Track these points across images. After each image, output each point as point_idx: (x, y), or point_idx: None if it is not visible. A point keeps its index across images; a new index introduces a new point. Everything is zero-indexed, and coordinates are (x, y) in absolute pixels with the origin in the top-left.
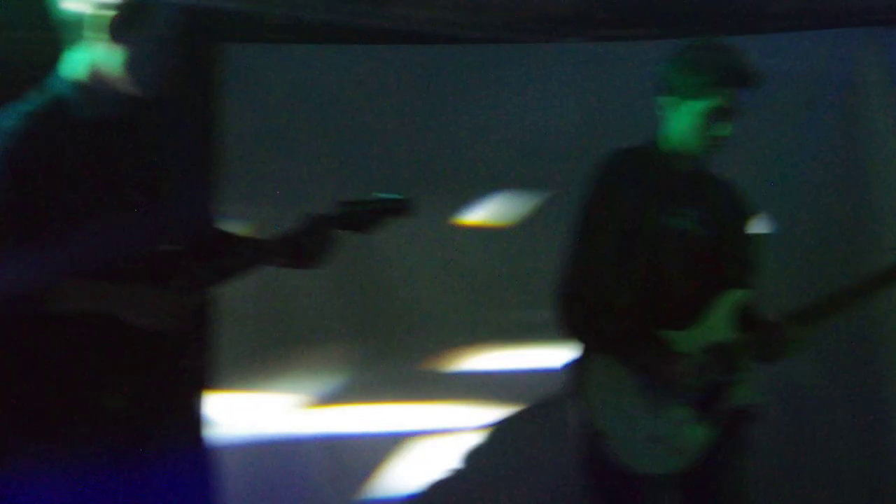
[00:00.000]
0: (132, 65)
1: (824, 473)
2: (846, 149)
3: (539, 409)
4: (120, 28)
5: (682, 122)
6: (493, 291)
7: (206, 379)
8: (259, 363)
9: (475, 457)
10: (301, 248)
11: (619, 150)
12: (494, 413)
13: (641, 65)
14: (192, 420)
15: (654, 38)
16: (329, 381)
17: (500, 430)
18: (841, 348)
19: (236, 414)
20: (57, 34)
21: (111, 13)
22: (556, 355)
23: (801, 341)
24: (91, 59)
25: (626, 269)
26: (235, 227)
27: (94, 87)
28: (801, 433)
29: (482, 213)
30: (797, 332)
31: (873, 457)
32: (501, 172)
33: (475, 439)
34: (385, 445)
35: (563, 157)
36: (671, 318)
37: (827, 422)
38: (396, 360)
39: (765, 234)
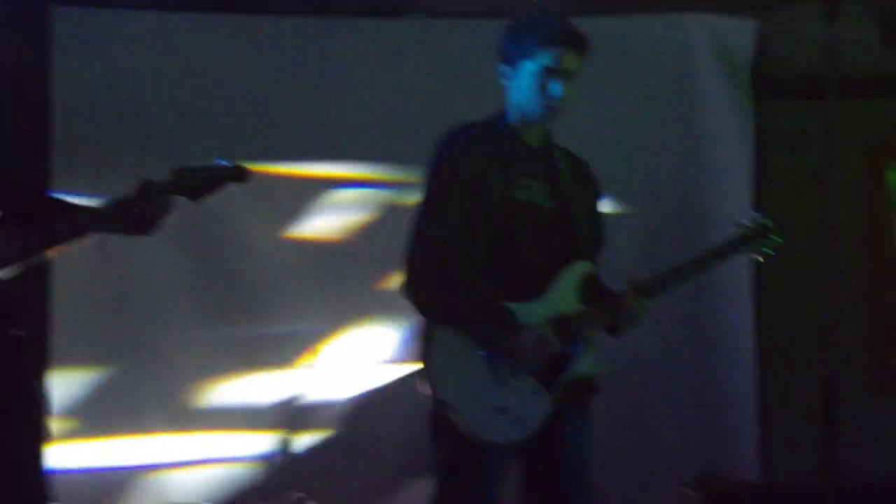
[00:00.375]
0: None
1: (664, 441)
2: (684, 128)
3: (385, 388)
4: None
5: (518, 87)
6: (346, 269)
7: (41, 351)
8: (98, 340)
9: (324, 436)
10: (134, 214)
11: (463, 124)
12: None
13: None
14: (26, 390)
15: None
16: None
17: (347, 410)
18: (677, 320)
19: None
20: None
21: None
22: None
23: (642, 312)
24: None
25: (472, 242)
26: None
27: None
28: (641, 403)
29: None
30: (639, 303)
31: (709, 424)
32: (351, 147)
33: (322, 419)
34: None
35: (414, 133)
36: (519, 290)
37: (665, 392)
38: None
39: (610, 209)
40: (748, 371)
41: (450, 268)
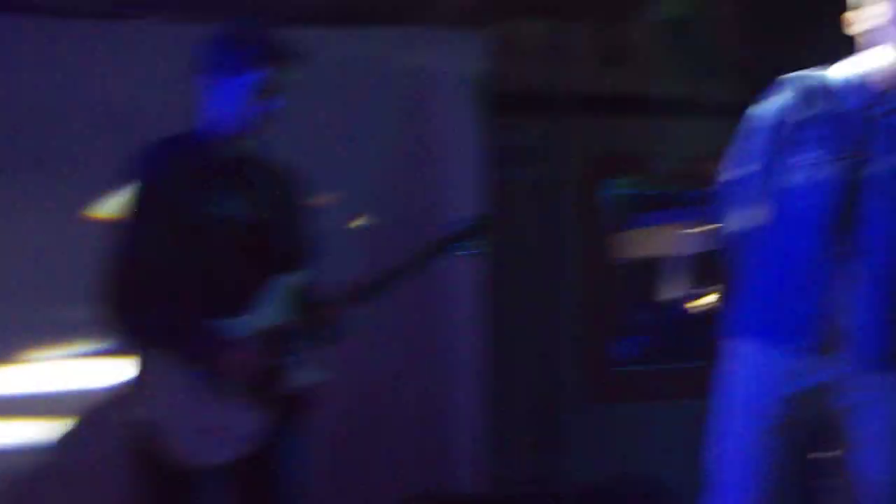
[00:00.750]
0: None
1: (388, 455)
2: (413, 141)
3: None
4: None
5: (224, 101)
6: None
7: None
8: None
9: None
10: None
11: (160, 139)
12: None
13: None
14: None
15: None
16: None
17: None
18: (403, 331)
19: None
20: None
21: None
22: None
23: (353, 319)
24: None
25: (172, 261)
26: None
27: None
28: (366, 417)
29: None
30: (349, 310)
31: (434, 437)
32: (80, 153)
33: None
34: None
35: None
36: (224, 306)
37: (390, 405)
38: None
39: (339, 221)
40: (473, 382)
41: (148, 288)
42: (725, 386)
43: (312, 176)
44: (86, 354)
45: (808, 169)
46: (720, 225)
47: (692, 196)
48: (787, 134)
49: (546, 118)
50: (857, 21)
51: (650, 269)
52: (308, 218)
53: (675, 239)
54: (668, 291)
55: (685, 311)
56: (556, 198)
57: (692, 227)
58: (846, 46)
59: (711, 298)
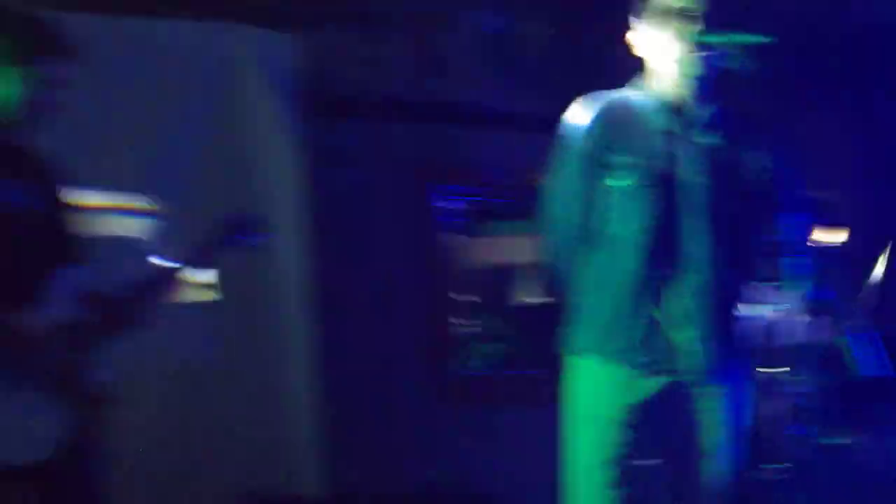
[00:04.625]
0: None
1: (221, 457)
2: (227, 137)
3: None
4: None
5: None
6: None
7: None
8: None
9: None
10: None
11: None
12: None
13: None
14: None
15: None
16: None
17: None
18: (231, 326)
19: None
20: None
21: None
22: None
23: (148, 315)
24: None
25: None
26: None
27: None
28: (195, 416)
29: None
30: (141, 305)
31: (268, 438)
32: None
33: None
34: None
35: None
36: (7, 298)
37: (221, 405)
38: None
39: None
40: (309, 381)
41: None
42: (570, 397)
43: (122, 172)
44: None
45: (621, 191)
46: (545, 242)
47: (520, 206)
48: (597, 157)
49: (367, 122)
50: (638, 43)
51: (489, 275)
52: (80, 211)
53: (510, 247)
54: (513, 298)
55: (528, 317)
56: (381, 202)
57: (524, 237)
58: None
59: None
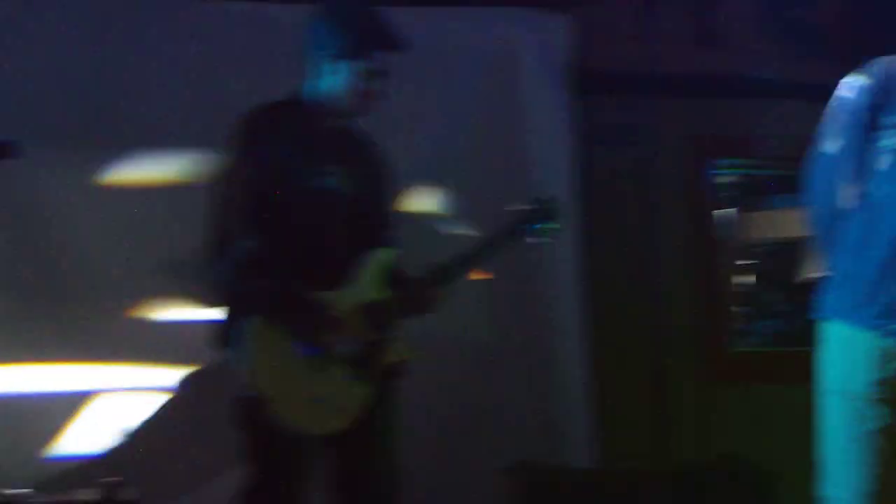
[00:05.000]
0: None
1: (494, 428)
2: (503, 121)
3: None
4: None
5: (330, 80)
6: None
7: None
8: None
9: (154, 417)
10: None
11: (261, 105)
12: (171, 373)
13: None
14: None
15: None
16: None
17: (177, 391)
18: (507, 306)
19: None
20: None
21: None
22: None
23: (442, 296)
24: None
25: (277, 229)
26: None
27: None
28: (470, 391)
29: (155, 169)
30: (438, 287)
31: (541, 412)
32: (175, 128)
33: (154, 399)
34: (64, 405)
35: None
36: (323, 279)
37: (495, 380)
38: (69, 318)
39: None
40: (580, 357)
41: (256, 257)
42: (822, 369)
43: (400, 157)
44: (189, 324)
45: (892, 153)
46: (813, 205)
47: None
48: (870, 117)
49: (642, 98)
50: None
51: (768, 250)
52: (396, 195)
53: (791, 220)
54: (799, 272)
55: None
56: (657, 179)
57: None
58: None
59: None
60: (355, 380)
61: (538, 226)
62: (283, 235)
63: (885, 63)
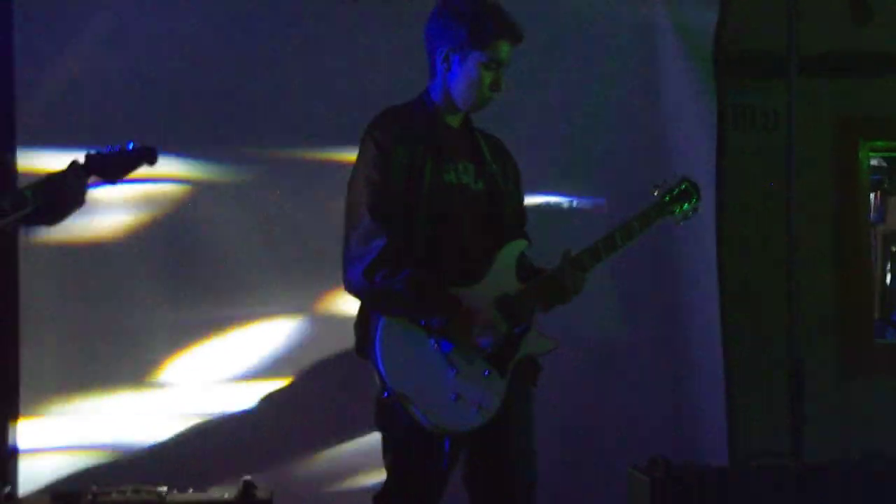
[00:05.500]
0: None
1: (629, 424)
2: (647, 106)
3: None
4: None
5: (460, 76)
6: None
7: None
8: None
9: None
10: (65, 191)
11: (389, 108)
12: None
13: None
14: None
15: None
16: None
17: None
18: (643, 304)
19: None
20: None
21: None
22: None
23: (579, 286)
24: None
25: (410, 227)
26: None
27: None
28: (608, 386)
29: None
30: (577, 276)
31: (676, 407)
32: (324, 133)
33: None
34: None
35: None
36: (458, 274)
37: (632, 376)
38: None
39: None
40: (716, 355)
41: (390, 256)
42: None
43: (540, 139)
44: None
45: None
46: None
47: None
48: None
49: (786, 79)
50: None
51: None
52: (520, 187)
53: None
54: None
55: None
56: (806, 162)
57: None
58: None
59: None
60: (494, 375)
61: (678, 207)
62: (416, 234)
63: None
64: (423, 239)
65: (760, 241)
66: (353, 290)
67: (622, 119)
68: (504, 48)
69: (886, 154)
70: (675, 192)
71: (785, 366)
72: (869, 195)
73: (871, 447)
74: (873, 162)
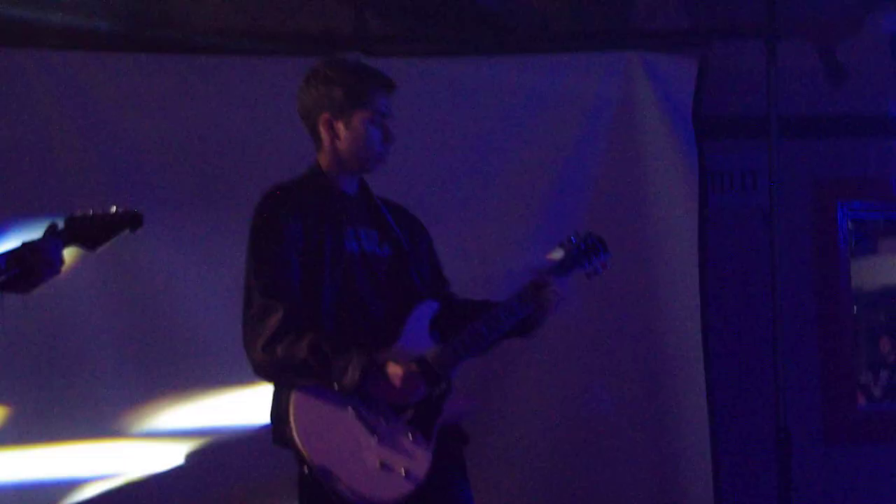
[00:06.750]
0: None
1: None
2: (627, 168)
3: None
4: None
5: (343, 139)
6: None
7: None
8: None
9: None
10: (41, 259)
11: (275, 185)
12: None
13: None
14: None
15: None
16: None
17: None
18: (628, 369)
19: None
20: None
21: None
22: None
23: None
24: None
25: (314, 301)
26: None
27: None
28: (597, 449)
29: None
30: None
31: (663, 472)
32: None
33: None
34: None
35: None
36: (367, 341)
37: (620, 440)
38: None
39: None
40: (703, 419)
41: (290, 327)
42: None
43: (520, 201)
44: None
45: None
46: None
47: None
48: None
49: (766, 141)
50: None
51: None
52: (431, 247)
53: None
54: None
55: None
56: (782, 223)
57: None
58: None
59: None
60: (420, 440)
61: (587, 264)
62: (321, 307)
63: None
64: (329, 311)
65: (744, 304)
66: (260, 371)
67: (601, 181)
68: (383, 99)
69: (876, 214)
70: (580, 249)
71: (771, 432)
72: (848, 259)
73: None
74: (861, 223)
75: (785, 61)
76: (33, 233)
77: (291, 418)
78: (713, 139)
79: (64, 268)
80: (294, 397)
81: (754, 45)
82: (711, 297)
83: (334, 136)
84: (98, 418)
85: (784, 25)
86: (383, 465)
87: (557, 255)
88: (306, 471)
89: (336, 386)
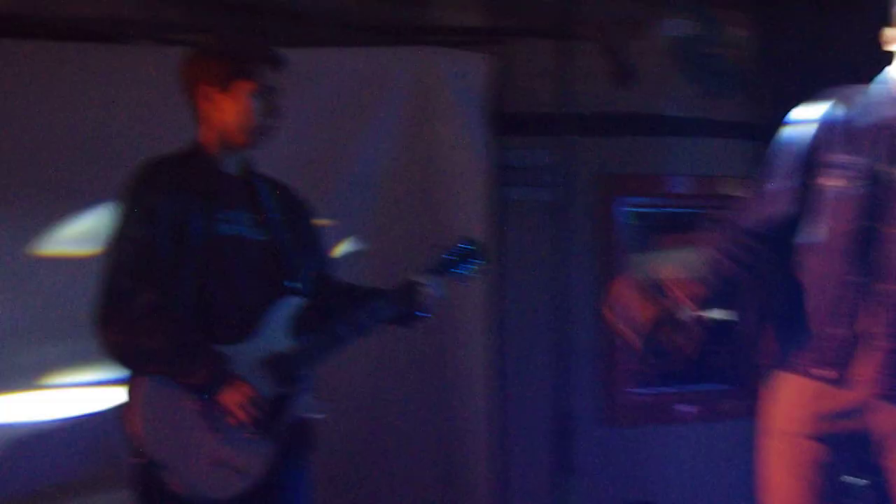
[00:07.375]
0: None
1: (398, 477)
2: (417, 161)
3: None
4: None
5: (225, 111)
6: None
7: None
8: None
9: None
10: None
11: (151, 158)
12: None
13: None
14: None
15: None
16: None
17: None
18: (413, 357)
19: None
20: None
21: None
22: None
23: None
24: None
25: (175, 283)
26: None
27: None
28: (377, 441)
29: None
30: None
31: (444, 458)
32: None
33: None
34: None
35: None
36: (231, 330)
37: (401, 429)
38: None
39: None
40: (483, 403)
41: (149, 312)
42: (766, 411)
43: (314, 195)
44: (88, 383)
45: (836, 190)
46: (743, 246)
47: (709, 215)
48: (815, 154)
49: (554, 138)
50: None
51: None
52: (317, 237)
53: (697, 259)
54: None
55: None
56: (569, 217)
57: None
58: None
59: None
60: (260, 439)
61: (461, 268)
62: (183, 290)
63: (836, 93)
64: (191, 295)
65: (531, 294)
66: (111, 352)
67: (391, 173)
68: (267, 72)
69: (655, 209)
70: (458, 254)
71: (552, 415)
72: (627, 251)
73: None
74: (642, 218)
75: (577, 62)
76: None
77: (137, 405)
78: (514, 135)
79: None
80: (143, 384)
81: (545, 45)
82: (506, 288)
83: (214, 107)
84: None
85: (576, 28)
86: (220, 462)
87: (435, 258)
88: (141, 460)
89: (180, 382)
